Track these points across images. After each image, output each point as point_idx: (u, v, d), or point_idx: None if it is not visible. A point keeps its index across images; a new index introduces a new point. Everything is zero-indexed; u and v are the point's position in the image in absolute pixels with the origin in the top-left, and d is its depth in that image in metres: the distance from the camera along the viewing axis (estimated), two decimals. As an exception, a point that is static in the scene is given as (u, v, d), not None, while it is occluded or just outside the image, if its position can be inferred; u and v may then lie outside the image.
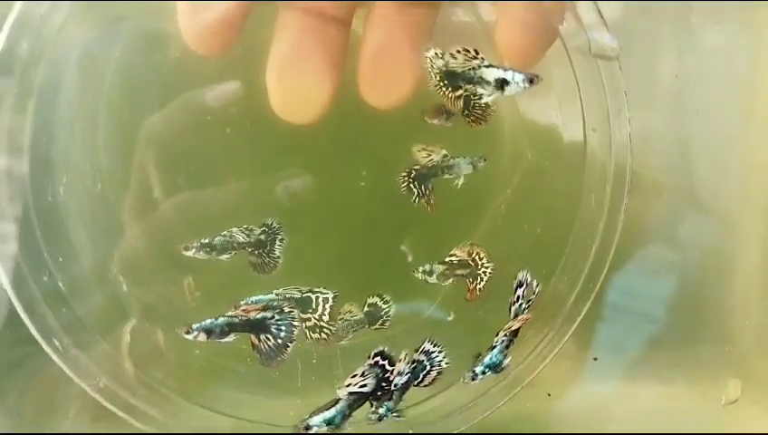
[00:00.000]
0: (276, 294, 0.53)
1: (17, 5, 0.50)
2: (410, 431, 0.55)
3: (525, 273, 0.53)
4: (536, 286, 0.54)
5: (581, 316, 0.55)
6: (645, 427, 0.64)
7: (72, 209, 0.56)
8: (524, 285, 0.53)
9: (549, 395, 0.63)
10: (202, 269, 0.57)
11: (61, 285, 0.55)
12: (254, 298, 0.52)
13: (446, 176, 0.55)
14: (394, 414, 0.51)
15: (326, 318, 0.54)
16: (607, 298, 0.63)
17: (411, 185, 0.54)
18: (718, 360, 0.65)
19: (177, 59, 0.56)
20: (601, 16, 0.51)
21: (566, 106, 0.56)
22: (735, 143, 0.64)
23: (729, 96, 0.63)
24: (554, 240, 0.57)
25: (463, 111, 0.53)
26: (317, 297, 0.54)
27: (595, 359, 0.64)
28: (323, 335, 0.54)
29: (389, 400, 0.50)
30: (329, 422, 0.48)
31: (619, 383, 0.66)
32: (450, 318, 0.56)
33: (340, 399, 0.49)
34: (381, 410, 0.50)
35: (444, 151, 0.54)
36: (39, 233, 0.54)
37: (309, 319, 0.53)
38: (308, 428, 0.48)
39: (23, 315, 0.53)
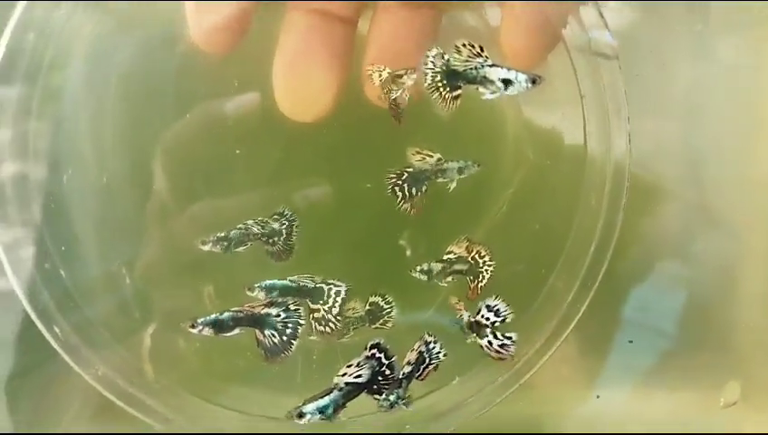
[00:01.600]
0: (290, 281, 0.54)
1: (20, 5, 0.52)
2: (407, 427, 0.56)
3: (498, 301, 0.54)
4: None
5: (579, 315, 0.56)
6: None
7: (75, 200, 0.58)
8: (497, 313, 0.54)
9: (598, 397, 0.65)
10: (222, 275, 0.59)
11: (62, 272, 0.56)
12: (268, 282, 0.54)
13: (440, 179, 0.55)
14: (403, 402, 0.52)
15: (335, 311, 0.54)
16: (619, 312, 0.64)
17: (397, 187, 0.54)
18: (725, 371, 0.66)
19: (184, 58, 0.57)
20: (602, 17, 0.52)
21: (567, 106, 0.57)
22: (749, 157, 0.65)
23: (744, 109, 0.65)
24: (553, 239, 0.59)
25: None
26: (329, 289, 0.55)
27: (597, 396, 0.65)
28: (329, 329, 0.55)
29: (399, 387, 0.51)
30: (322, 410, 0.50)
31: (628, 394, 0.67)
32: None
33: (334, 387, 0.50)
34: (392, 398, 0.51)
35: (438, 155, 0.55)
36: (42, 221, 0.56)
37: (318, 310, 0.54)
38: (301, 415, 0.49)
39: (23, 301, 0.54)
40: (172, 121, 0.58)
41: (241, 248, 0.56)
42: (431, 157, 0.55)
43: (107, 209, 0.59)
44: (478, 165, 0.55)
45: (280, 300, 0.53)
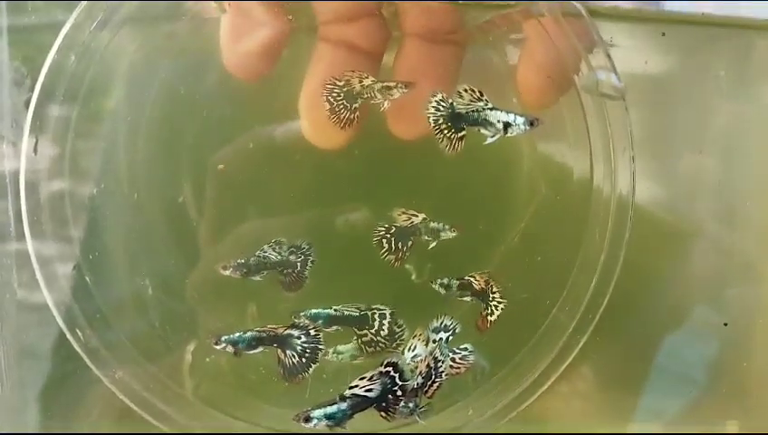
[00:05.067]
0: (335, 310, 0.58)
1: (68, 23, 0.56)
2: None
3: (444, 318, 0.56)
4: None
5: (580, 346, 0.58)
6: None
7: (106, 212, 0.62)
8: (446, 329, 0.56)
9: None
10: (267, 297, 0.62)
11: (88, 279, 0.61)
12: (313, 311, 0.57)
13: (425, 237, 0.59)
14: (420, 410, 0.54)
15: (384, 332, 0.58)
16: (647, 361, 0.67)
17: (384, 240, 0.59)
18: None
19: (218, 82, 0.62)
20: (610, 59, 0.56)
21: (577, 144, 0.61)
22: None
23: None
24: (559, 271, 0.62)
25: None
26: (373, 314, 0.58)
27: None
28: (378, 349, 0.58)
29: (416, 396, 0.54)
30: (329, 417, 0.52)
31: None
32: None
33: (344, 397, 0.52)
34: (411, 405, 0.53)
35: (423, 216, 0.59)
36: (72, 228, 0.60)
37: (365, 334, 0.58)
38: (308, 419, 0.52)
39: (49, 302, 0.58)
40: (202, 143, 0.62)
41: (258, 277, 0.60)
42: (416, 217, 0.59)
43: (136, 224, 0.63)
44: (455, 230, 0.59)
45: (302, 324, 0.57)
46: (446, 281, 0.60)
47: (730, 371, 0.69)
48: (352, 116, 0.56)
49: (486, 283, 0.59)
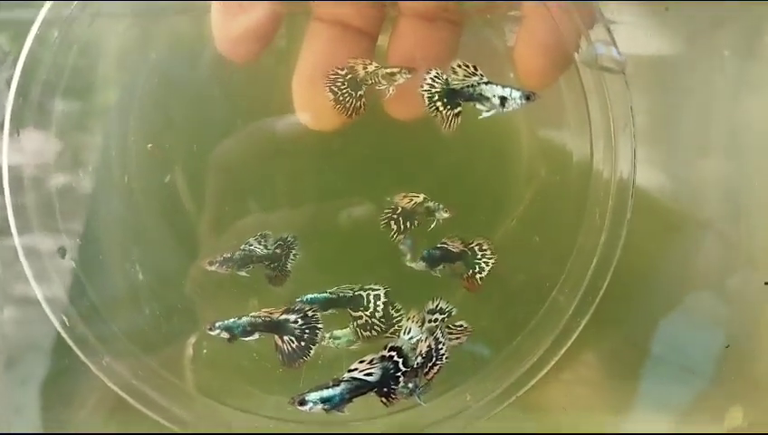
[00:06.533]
0: (330, 293, 0.57)
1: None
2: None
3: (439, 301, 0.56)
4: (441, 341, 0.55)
5: (580, 329, 0.58)
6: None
7: (97, 201, 0.62)
8: (442, 311, 0.55)
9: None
10: (267, 289, 0.61)
11: (74, 263, 0.60)
12: (309, 296, 0.57)
13: (429, 218, 0.59)
14: (419, 391, 0.53)
15: (378, 314, 0.57)
16: (652, 350, 0.67)
17: (392, 221, 0.59)
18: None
19: (209, 64, 0.61)
20: (609, 32, 0.55)
21: (577, 123, 0.61)
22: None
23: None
24: (558, 253, 0.61)
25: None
26: (368, 294, 0.57)
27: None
28: (374, 333, 0.57)
29: (416, 376, 0.52)
30: (325, 401, 0.51)
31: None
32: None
33: (342, 380, 0.51)
34: (411, 385, 0.52)
35: (423, 195, 0.59)
36: (58, 213, 0.60)
37: (360, 317, 0.57)
38: (303, 402, 0.51)
39: (33, 286, 0.58)
40: (195, 129, 0.62)
41: (244, 271, 0.59)
42: (417, 197, 0.59)
43: (128, 213, 0.63)
44: (447, 211, 0.59)
45: (298, 307, 0.56)
46: (425, 254, 0.59)
47: (736, 359, 0.68)
48: (358, 103, 0.56)
49: (465, 244, 0.59)
